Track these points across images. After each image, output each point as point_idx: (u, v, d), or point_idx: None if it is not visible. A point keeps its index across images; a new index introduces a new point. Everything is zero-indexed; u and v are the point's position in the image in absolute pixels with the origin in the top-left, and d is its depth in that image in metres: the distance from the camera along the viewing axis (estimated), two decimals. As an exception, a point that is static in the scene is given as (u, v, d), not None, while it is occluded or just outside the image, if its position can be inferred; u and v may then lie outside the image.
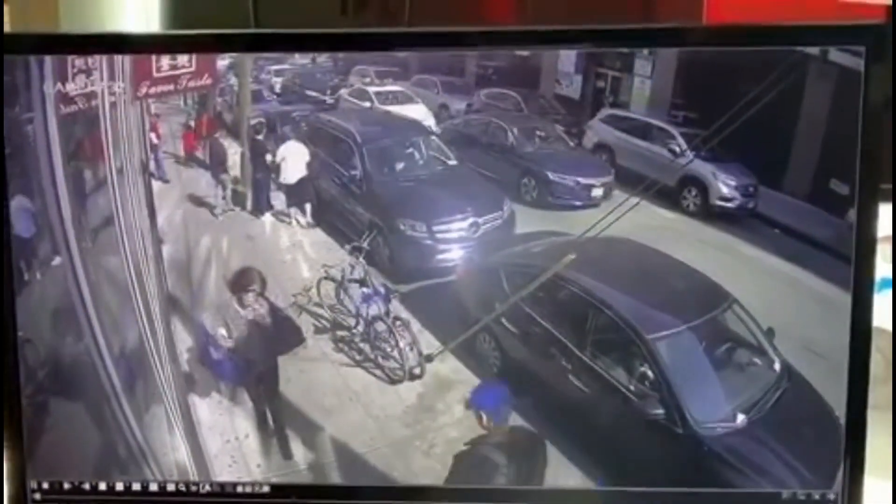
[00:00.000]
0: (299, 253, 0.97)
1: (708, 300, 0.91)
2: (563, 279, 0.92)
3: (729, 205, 0.93)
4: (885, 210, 0.87)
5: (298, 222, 0.98)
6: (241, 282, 0.94)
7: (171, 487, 0.93)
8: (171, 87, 0.91)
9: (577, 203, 0.97)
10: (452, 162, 0.99)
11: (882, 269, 0.88)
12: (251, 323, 0.95)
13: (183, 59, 0.89)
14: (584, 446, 0.92)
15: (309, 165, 0.98)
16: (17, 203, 0.90)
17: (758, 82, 0.83)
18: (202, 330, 0.94)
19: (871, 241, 0.84)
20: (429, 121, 0.97)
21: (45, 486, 0.92)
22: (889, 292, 1.04)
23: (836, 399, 0.86)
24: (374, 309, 0.99)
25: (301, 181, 0.98)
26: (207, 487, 0.93)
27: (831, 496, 0.88)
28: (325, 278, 0.97)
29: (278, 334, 0.96)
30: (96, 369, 0.93)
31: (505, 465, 0.90)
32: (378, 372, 0.97)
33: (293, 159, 0.98)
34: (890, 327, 0.97)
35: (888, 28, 0.82)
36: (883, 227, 0.86)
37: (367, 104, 0.99)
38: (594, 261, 0.92)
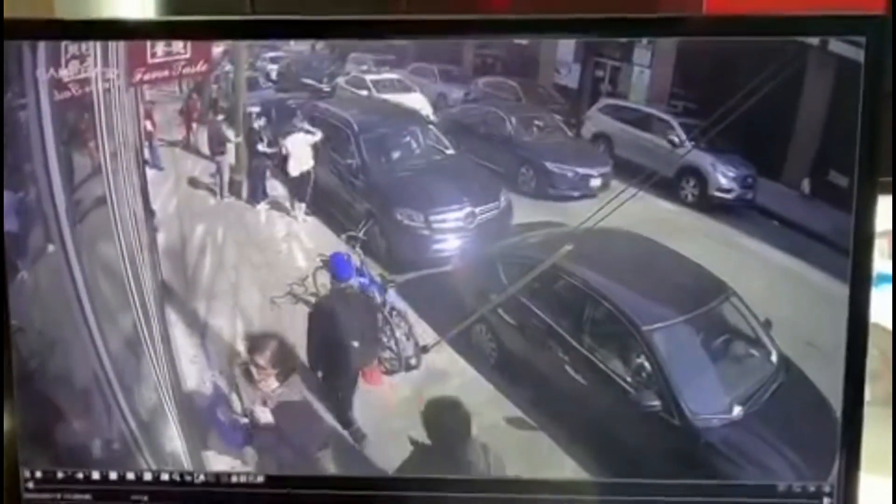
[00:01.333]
0: (295, 242, 0.97)
1: (705, 292, 0.91)
2: (561, 270, 0.92)
3: (727, 196, 0.92)
4: (883, 203, 0.86)
5: (295, 211, 0.97)
6: (254, 350, 0.89)
7: (164, 477, 0.93)
8: (166, 73, 0.90)
9: (575, 193, 0.97)
10: (450, 151, 0.99)
11: (879, 266, 0.87)
12: (269, 410, 0.90)
13: (178, 45, 0.88)
14: (581, 438, 0.91)
15: (314, 158, 0.97)
16: (10, 190, 0.89)
17: (757, 73, 0.83)
18: (211, 385, 0.93)
19: (869, 234, 0.84)
20: (426, 110, 0.96)
21: (39, 475, 0.92)
22: (886, 288, 1.04)
23: (833, 391, 0.86)
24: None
25: (308, 171, 0.98)
26: (202, 478, 0.93)
27: (826, 488, 0.88)
28: (321, 268, 0.97)
29: (305, 430, 0.90)
30: (90, 359, 0.93)
31: (345, 317, 0.92)
32: (374, 362, 0.96)
33: (299, 152, 0.97)
34: (886, 323, 0.97)
35: (889, 19, 0.81)
36: (880, 222, 0.86)
37: (364, 92, 0.98)
38: (591, 252, 0.92)
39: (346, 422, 0.93)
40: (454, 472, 0.91)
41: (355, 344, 0.92)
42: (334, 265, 0.93)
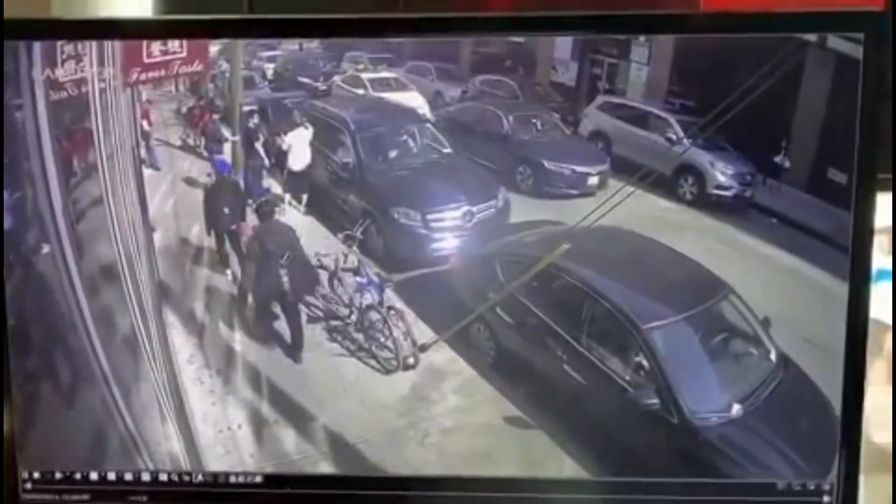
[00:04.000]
0: (292, 241, 0.97)
1: (704, 290, 0.90)
2: (558, 269, 0.92)
3: (726, 193, 0.92)
4: (882, 200, 0.86)
5: (295, 208, 0.97)
6: None
7: (163, 477, 0.93)
8: (163, 73, 0.90)
9: (573, 192, 0.97)
10: (447, 150, 0.98)
11: (879, 261, 0.87)
12: None
13: (174, 44, 0.88)
14: (579, 436, 0.91)
15: (313, 153, 0.97)
16: (7, 191, 0.89)
17: (755, 70, 0.83)
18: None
19: (868, 231, 0.84)
20: (423, 108, 0.96)
21: (37, 475, 0.92)
22: (884, 284, 1.03)
23: (832, 390, 0.86)
24: (368, 298, 0.99)
25: (304, 170, 0.97)
26: (200, 478, 0.93)
27: (826, 487, 0.88)
28: (319, 267, 0.96)
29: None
30: (88, 359, 0.93)
31: (221, 195, 0.98)
32: (372, 362, 0.96)
33: (298, 147, 0.97)
34: (884, 318, 0.97)
35: (887, 15, 0.81)
36: (880, 218, 0.85)
37: (361, 91, 0.98)
38: (589, 250, 0.91)
39: (226, 264, 0.97)
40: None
41: (226, 210, 0.96)
42: (217, 166, 0.98)
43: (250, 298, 0.95)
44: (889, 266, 1.05)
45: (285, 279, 0.95)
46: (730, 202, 0.92)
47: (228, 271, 0.96)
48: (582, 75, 0.92)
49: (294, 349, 0.96)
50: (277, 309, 0.95)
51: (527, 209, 0.95)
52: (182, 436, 0.95)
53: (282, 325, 0.96)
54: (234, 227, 0.96)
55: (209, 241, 0.96)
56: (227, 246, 0.96)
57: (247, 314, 0.94)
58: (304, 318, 0.96)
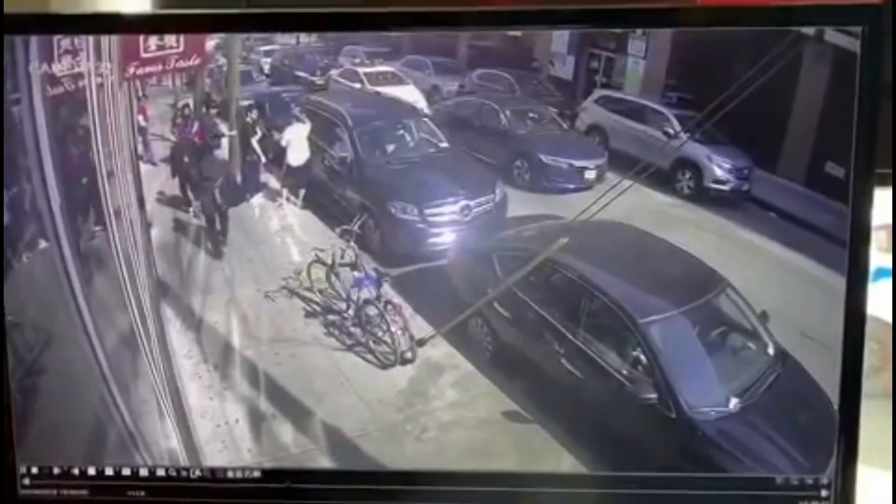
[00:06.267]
0: (289, 236, 0.97)
1: (701, 284, 0.90)
2: (556, 263, 0.92)
3: (723, 187, 0.92)
4: (882, 195, 0.86)
5: (292, 203, 0.97)
6: None
7: (161, 473, 0.93)
8: (159, 67, 0.89)
9: (571, 186, 0.97)
10: (444, 144, 0.98)
11: (879, 259, 0.87)
12: None
13: (171, 39, 0.88)
14: (577, 431, 0.91)
15: (310, 148, 0.97)
16: (4, 186, 0.88)
17: (753, 64, 0.82)
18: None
19: (866, 226, 0.83)
20: (420, 102, 0.96)
21: (35, 470, 0.92)
22: (885, 282, 1.03)
23: (830, 383, 0.86)
24: (366, 293, 0.98)
25: (301, 164, 0.97)
26: (198, 472, 0.93)
27: (824, 481, 0.88)
28: (316, 262, 0.97)
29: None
30: (86, 354, 0.93)
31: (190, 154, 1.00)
32: (370, 356, 0.96)
33: (297, 142, 0.97)
34: (884, 315, 0.97)
35: (886, 8, 0.80)
36: (878, 215, 0.85)
37: (358, 85, 0.98)
38: (587, 245, 0.91)
39: (189, 204, 0.99)
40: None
41: (186, 159, 0.98)
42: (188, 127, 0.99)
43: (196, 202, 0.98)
44: (886, 264, 1.05)
45: (217, 195, 0.98)
46: (727, 196, 0.92)
47: (191, 210, 0.98)
48: (579, 69, 0.92)
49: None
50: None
51: (524, 203, 0.95)
52: (180, 431, 0.95)
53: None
54: (193, 171, 0.97)
55: (176, 186, 0.98)
56: (189, 190, 0.98)
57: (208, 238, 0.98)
58: (230, 223, 0.99)
